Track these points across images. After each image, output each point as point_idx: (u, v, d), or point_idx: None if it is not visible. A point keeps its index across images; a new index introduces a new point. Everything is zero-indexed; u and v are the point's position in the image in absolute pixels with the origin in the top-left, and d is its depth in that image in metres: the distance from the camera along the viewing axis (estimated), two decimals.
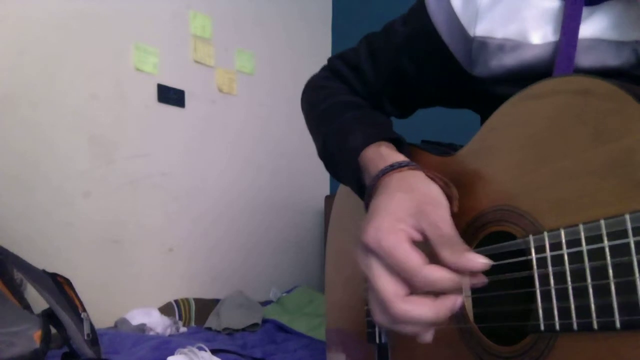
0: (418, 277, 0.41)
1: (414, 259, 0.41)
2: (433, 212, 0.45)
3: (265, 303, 1.73)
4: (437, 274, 0.41)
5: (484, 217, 0.49)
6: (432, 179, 0.50)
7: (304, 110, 0.77)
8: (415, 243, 0.44)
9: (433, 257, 0.43)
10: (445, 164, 0.57)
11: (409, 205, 0.45)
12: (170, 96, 1.70)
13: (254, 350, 1.25)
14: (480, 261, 0.40)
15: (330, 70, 0.75)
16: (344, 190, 0.81)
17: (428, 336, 0.44)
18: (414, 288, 0.42)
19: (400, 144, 0.60)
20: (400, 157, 0.54)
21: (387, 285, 0.43)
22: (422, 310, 0.41)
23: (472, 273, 0.41)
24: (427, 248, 0.44)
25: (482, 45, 0.55)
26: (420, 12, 0.61)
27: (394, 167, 0.52)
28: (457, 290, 0.41)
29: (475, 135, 0.53)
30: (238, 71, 1.90)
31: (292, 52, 2.08)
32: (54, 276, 1.08)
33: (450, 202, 0.48)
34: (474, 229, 0.50)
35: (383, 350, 0.64)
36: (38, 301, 1.01)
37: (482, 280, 0.42)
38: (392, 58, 0.66)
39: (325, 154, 0.68)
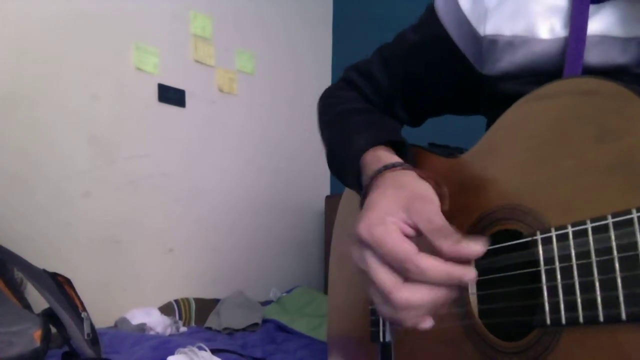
0: (409, 264, 0.42)
1: (404, 247, 0.43)
2: (423, 206, 0.46)
3: (265, 303, 1.73)
4: (428, 262, 0.41)
5: (490, 216, 0.50)
6: (424, 178, 0.52)
7: (317, 119, 0.78)
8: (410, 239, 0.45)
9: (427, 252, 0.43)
10: (452, 164, 0.58)
11: (400, 200, 0.47)
12: (171, 96, 1.70)
13: (254, 350, 1.25)
14: (476, 247, 0.40)
15: (344, 80, 0.76)
16: (348, 193, 0.82)
17: (428, 322, 0.45)
18: (408, 276, 0.43)
19: (402, 147, 0.61)
20: (394, 159, 0.56)
21: (384, 275, 0.44)
22: (421, 295, 0.42)
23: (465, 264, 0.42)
24: (420, 244, 0.44)
25: (492, 44, 0.56)
26: (430, 18, 0.63)
27: (387, 168, 0.54)
28: (448, 282, 0.42)
29: (482, 137, 0.54)
30: (238, 71, 1.90)
31: (293, 52, 2.08)
32: (54, 276, 1.08)
33: (441, 201, 0.50)
34: (480, 227, 0.51)
35: (386, 350, 0.64)
36: (38, 301, 1.01)
37: (472, 274, 0.42)
38: (404, 64, 0.67)
39: (332, 158, 0.69)
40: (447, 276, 0.41)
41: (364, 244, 0.46)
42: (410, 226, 0.46)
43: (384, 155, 0.57)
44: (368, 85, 0.72)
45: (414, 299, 0.42)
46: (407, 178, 0.51)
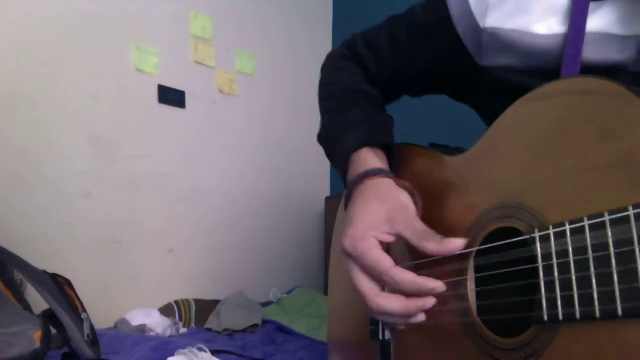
0: (386, 276, 0.49)
1: (383, 261, 0.49)
2: (404, 215, 0.52)
3: (265, 304, 1.73)
4: (402, 276, 0.48)
5: (490, 214, 0.50)
6: (400, 187, 0.57)
7: (318, 86, 0.81)
8: (391, 247, 0.52)
9: (405, 258, 0.50)
10: (453, 163, 0.59)
11: (382, 213, 0.52)
12: (171, 97, 1.70)
13: (253, 350, 1.25)
14: (459, 242, 0.48)
15: (350, 49, 0.78)
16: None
17: (402, 326, 0.52)
18: (386, 286, 0.50)
19: (390, 148, 0.64)
20: (375, 164, 0.60)
21: (364, 283, 0.51)
22: (393, 305, 0.49)
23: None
24: (399, 249, 0.51)
25: (491, 36, 0.57)
26: (439, 1, 0.63)
27: (368, 174, 0.59)
28: (419, 293, 0.48)
29: (482, 136, 0.54)
30: (238, 72, 1.90)
31: (293, 52, 2.08)
32: (54, 276, 1.08)
33: (416, 208, 0.55)
34: (480, 225, 0.51)
35: (386, 347, 0.64)
36: (38, 301, 1.00)
37: (442, 287, 0.48)
38: (410, 45, 0.69)
39: (325, 142, 0.73)
40: (419, 288, 0.48)
41: (349, 256, 0.52)
42: (392, 235, 0.51)
43: (367, 159, 0.61)
44: (372, 58, 0.73)
45: (388, 306, 0.49)
46: (386, 187, 0.56)
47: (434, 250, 0.48)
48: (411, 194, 0.56)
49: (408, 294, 0.49)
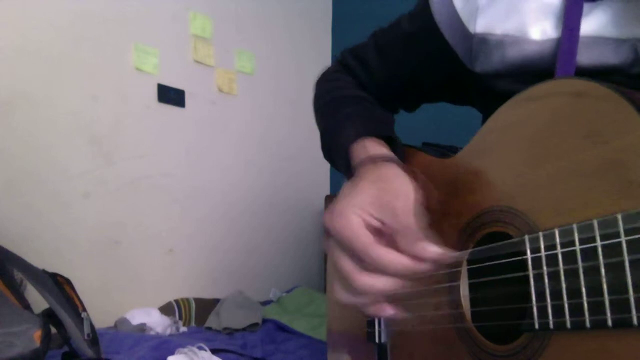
0: (364, 255, 0.43)
1: (361, 238, 0.44)
2: (393, 202, 0.46)
3: (265, 303, 1.73)
4: (383, 253, 0.43)
5: (481, 218, 0.50)
6: (406, 172, 0.52)
7: (313, 101, 0.79)
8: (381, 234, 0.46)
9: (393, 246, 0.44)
10: (444, 165, 0.58)
11: (370, 194, 0.48)
12: (170, 96, 1.70)
13: (254, 350, 1.25)
14: (433, 250, 0.42)
15: (340, 63, 0.77)
16: None
17: (389, 311, 0.46)
18: (365, 265, 0.44)
19: (392, 142, 0.61)
20: (380, 151, 0.56)
21: (346, 262, 0.46)
22: (380, 281, 0.44)
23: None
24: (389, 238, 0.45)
25: (482, 42, 0.55)
26: (424, 9, 0.62)
27: (372, 159, 0.54)
28: (402, 273, 0.43)
29: (473, 137, 0.53)
30: (238, 71, 1.90)
31: (293, 52, 2.08)
32: (54, 276, 1.08)
33: (426, 197, 0.50)
34: (471, 229, 0.51)
35: (382, 350, 0.65)
36: (38, 301, 1.01)
37: (427, 267, 0.43)
38: (397, 54, 0.67)
39: (324, 146, 0.71)
40: (402, 267, 0.42)
41: (329, 233, 0.48)
42: (378, 220, 0.46)
43: (371, 146, 0.57)
44: (363, 71, 0.72)
45: (373, 284, 0.44)
46: (386, 171, 0.51)
47: (403, 248, 0.43)
48: (422, 182, 0.51)
49: (389, 273, 0.43)
